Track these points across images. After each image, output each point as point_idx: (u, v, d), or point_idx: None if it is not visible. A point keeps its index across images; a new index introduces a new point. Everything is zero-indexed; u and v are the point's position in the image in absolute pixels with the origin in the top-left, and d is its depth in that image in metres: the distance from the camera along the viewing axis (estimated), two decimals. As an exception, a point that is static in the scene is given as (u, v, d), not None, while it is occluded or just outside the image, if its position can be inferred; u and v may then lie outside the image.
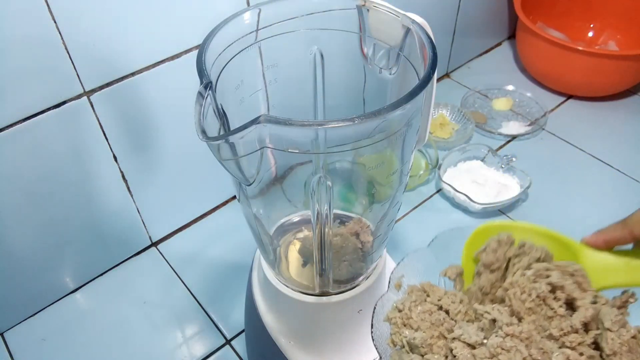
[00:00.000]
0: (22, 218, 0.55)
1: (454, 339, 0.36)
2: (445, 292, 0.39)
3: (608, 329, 0.34)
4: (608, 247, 0.38)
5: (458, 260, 0.42)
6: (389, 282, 0.40)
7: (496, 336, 0.36)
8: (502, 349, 0.35)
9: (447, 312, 0.39)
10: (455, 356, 0.36)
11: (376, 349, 0.38)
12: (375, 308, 0.39)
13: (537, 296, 0.36)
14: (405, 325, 0.38)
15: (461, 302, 0.39)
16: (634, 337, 0.34)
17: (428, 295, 0.39)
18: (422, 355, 0.37)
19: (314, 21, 0.39)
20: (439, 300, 0.39)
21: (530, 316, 0.36)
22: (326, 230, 0.40)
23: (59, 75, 0.50)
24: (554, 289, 0.37)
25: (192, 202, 0.71)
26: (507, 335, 0.35)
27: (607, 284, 0.37)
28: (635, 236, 0.36)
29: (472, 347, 0.36)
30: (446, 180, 0.73)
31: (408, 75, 0.37)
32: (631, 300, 0.37)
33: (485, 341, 0.36)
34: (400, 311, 0.39)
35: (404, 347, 0.38)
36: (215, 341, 0.60)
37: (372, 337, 0.39)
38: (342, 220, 0.46)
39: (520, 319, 0.37)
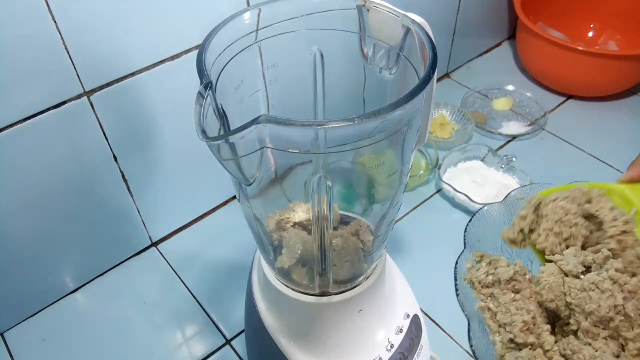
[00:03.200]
0: (22, 218, 0.55)
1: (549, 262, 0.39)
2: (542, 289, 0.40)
3: None
4: None
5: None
6: (464, 239, 0.45)
7: (598, 274, 0.36)
8: (598, 287, 0.35)
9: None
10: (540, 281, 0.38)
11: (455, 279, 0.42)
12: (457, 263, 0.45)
13: None
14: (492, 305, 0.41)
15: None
16: None
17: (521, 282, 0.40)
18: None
19: (314, 21, 0.39)
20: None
21: None
22: (326, 230, 0.40)
23: (59, 75, 0.50)
24: None
25: (192, 202, 0.71)
26: (610, 279, 0.35)
27: None
28: None
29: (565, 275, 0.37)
30: (446, 180, 0.73)
31: (408, 75, 0.37)
32: None
33: (582, 276, 0.37)
34: (488, 290, 0.41)
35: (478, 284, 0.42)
36: (215, 341, 0.60)
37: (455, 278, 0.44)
38: (342, 220, 0.46)
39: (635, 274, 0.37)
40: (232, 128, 0.34)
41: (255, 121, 0.28)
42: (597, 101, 0.91)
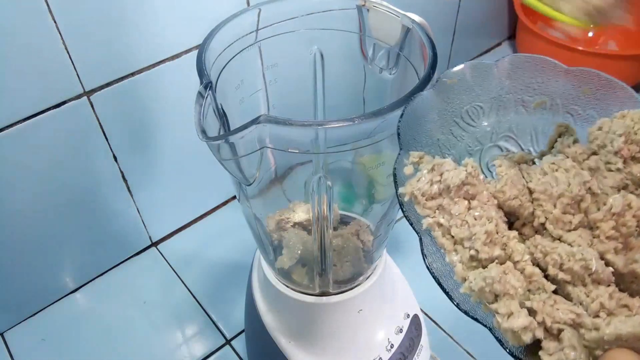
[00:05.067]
0: (22, 218, 0.55)
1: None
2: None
3: None
4: None
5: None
6: (399, 141, 0.34)
7: (554, 155, 0.32)
8: (560, 167, 0.31)
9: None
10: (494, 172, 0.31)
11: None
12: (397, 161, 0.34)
13: None
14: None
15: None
16: None
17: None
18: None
19: (314, 21, 0.39)
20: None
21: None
22: (326, 230, 0.40)
23: (59, 75, 0.49)
24: None
25: (192, 202, 0.71)
26: (569, 157, 0.32)
27: None
28: None
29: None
30: (446, 180, 0.73)
31: (408, 75, 0.37)
32: None
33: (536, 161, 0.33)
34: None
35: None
36: (215, 341, 0.60)
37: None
38: (342, 220, 0.46)
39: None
40: (232, 128, 0.34)
41: (255, 121, 0.28)
42: (597, 101, 0.90)
